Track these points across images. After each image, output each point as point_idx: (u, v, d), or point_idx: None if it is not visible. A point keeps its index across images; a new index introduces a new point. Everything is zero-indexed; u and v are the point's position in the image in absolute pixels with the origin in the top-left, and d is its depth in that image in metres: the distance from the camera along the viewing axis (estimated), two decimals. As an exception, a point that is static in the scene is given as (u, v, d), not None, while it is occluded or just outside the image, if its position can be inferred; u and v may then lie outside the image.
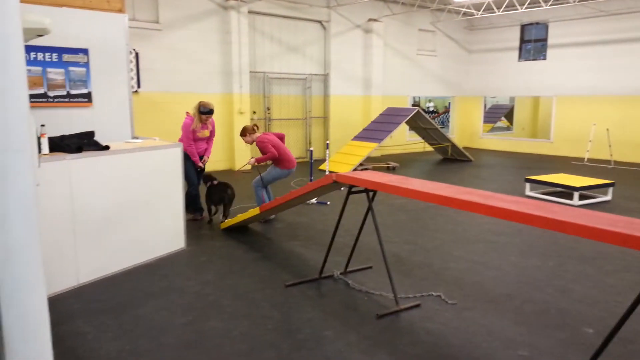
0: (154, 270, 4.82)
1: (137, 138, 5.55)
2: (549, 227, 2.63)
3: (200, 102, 6.12)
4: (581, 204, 7.75)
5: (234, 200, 6.45)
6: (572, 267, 4.97)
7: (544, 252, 5.42)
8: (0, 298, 1.39)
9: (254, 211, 5.60)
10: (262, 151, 6.28)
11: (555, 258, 5.23)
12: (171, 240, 5.30)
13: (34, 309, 1.42)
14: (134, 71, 9.64)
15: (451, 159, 13.32)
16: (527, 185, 8.63)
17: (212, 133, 6.34)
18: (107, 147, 4.59)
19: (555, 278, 4.66)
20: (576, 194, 7.82)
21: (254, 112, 11.73)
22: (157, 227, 5.10)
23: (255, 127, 6.40)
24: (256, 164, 6.32)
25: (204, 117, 6.04)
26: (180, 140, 6.05)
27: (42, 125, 4.23)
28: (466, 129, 16.71)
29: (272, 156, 6.26)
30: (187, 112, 6.29)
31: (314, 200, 7.65)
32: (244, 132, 6.36)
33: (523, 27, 14.98)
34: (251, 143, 6.39)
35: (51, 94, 4.97)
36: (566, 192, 8.38)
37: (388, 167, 11.58)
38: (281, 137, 6.59)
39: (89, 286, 4.42)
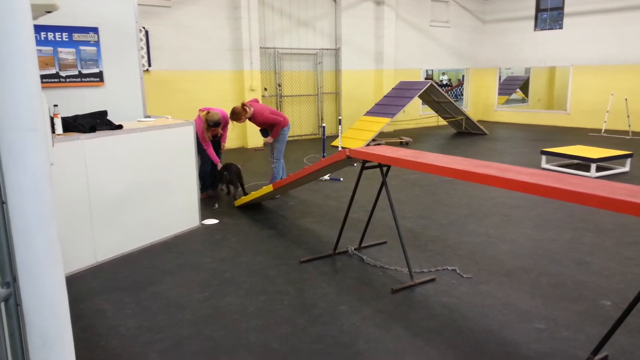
0: (170, 247, 4.86)
1: (149, 117, 5.56)
2: (567, 199, 2.60)
3: (207, 113, 6.00)
4: (598, 175, 7.65)
5: (238, 177, 6.40)
6: (589, 239, 4.93)
7: (560, 225, 5.37)
8: (19, 276, 1.41)
9: (267, 188, 5.61)
10: (271, 122, 6.30)
11: (571, 230, 5.19)
12: (186, 218, 5.33)
13: (52, 287, 1.44)
14: (145, 49, 9.61)
15: (465, 133, 13.19)
16: (543, 157, 8.53)
17: (225, 130, 6.50)
18: (120, 127, 4.60)
19: (572, 250, 4.63)
20: (593, 166, 7.72)
21: (265, 89, 11.67)
22: (172, 205, 5.13)
23: (245, 107, 6.15)
24: (270, 140, 6.46)
25: (212, 129, 6.08)
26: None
27: (55, 106, 4.26)
28: (480, 101, 16.49)
29: (278, 123, 6.34)
30: (200, 110, 6.23)
31: (327, 177, 7.65)
32: (238, 116, 6.11)
33: (539, -4, 14.62)
34: (247, 120, 6.25)
35: (63, 73, 4.97)
36: (583, 164, 8.27)
37: (401, 142, 11.50)
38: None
39: (107, 264, 4.47)
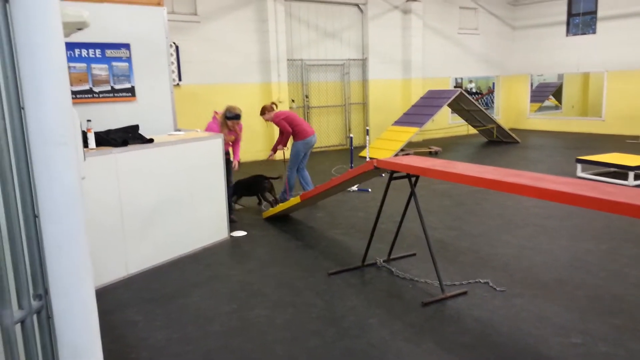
0: (199, 260, 4.91)
1: (179, 130, 5.64)
2: (604, 208, 2.51)
3: (227, 106, 5.94)
4: (637, 184, 7.43)
5: (265, 189, 6.50)
6: (627, 250, 4.77)
7: (597, 236, 5.23)
8: (50, 288, 1.43)
9: (295, 200, 5.63)
10: (281, 128, 6.65)
11: (608, 241, 5.04)
12: (215, 230, 5.37)
13: (83, 299, 1.46)
14: (175, 64, 9.81)
15: (497, 141, 13.01)
16: (579, 166, 8.31)
17: (238, 137, 6.15)
18: (151, 140, 4.68)
19: (609, 262, 4.49)
20: (631, 174, 7.48)
21: (293, 101, 11.74)
22: (201, 217, 5.17)
23: (273, 105, 6.68)
24: (280, 147, 6.66)
25: (229, 122, 5.84)
26: None
27: (89, 121, 4.34)
28: (512, 109, 16.21)
29: (286, 132, 6.58)
30: (215, 112, 6.19)
31: (355, 188, 7.62)
32: (263, 111, 6.66)
33: (570, 0, 14.33)
34: (270, 120, 6.67)
35: (96, 89, 5.10)
36: (620, 172, 8.02)
37: (430, 151, 11.44)
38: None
39: (138, 276, 4.54)
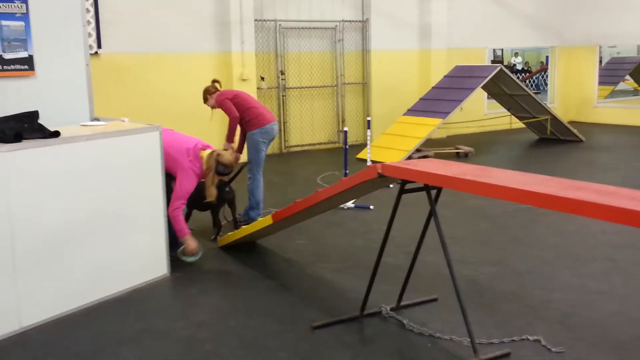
0: (127, 306, 4.87)
1: (97, 120, 5.58)
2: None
3: (218, 154, 5.83)
4: None
5: (224, 201, 6.49)
6: None
7: (694, 274, 5.28)
8: None
9: (265, 221, 5.61)
10: (224, 111, 6.90)
11: None
12: (149, 264, 5.35)
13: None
14: (92, 25, 9.69)
15: (551, 139, 13.13)
16: (666, 175, 8.41)
17: None
18: (56, 134, 4.63)
19: None
20: None
21: (262, 78, 11.73)
22: (130, 246, 5.15)
23: (216, 84, 7.03)
24: (228, 147, 6.69)
25: (219, 176, 5.99)
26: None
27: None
28: (573, 94, 16.37)
29: (232, 118, 6.79)
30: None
31: (350, 204, 7.62)
32: (205, 96, 7.02)
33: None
34: (216, 106, 7.00)
35: (-24, 59, 5.06)
36: None
37: (458, 152, 11.52)
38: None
39: (36, 331, 4.45)
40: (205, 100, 7.05)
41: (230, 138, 6.92)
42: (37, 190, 4.47)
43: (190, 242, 5.68)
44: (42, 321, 4.56)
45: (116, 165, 4.99)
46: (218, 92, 6.99)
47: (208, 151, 5.84)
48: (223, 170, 5.89)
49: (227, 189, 6.50)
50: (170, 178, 5.73)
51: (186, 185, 5.70)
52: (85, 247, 4.82)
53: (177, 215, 5.64)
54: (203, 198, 6.06)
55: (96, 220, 4.88)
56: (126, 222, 5.10)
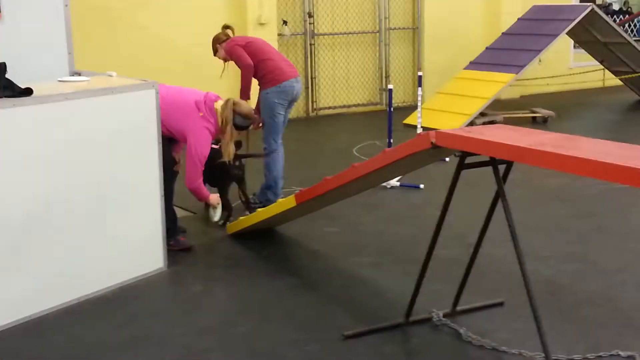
0: (114, 307, 4.83)
1: (79, 74, 5.50)
2: None
3: (235, 103, 5.87)
4: None
5: (233, 178, 6.57)
6: None
7: None
8: None
9: (285, 202, 5.55)
10: (235, 61, 6.83)
11: None
12: (142, 256, 5.30)
13: None
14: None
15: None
16: None
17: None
18: (28, 92, 4.53)
19: None
20: None
21: (285, 23, 11.57)
22: (117, 233, 5.10)
23: (228, 31, 6.89)
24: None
25: (238, 131, 6.03)
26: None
27: None
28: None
29: (245, 69, 6.63)
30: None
31: (395, 182, 7.54)
32: (215, 46, 6.88)
33: None
34: (228, 58, 6.88)
35: None
36: None
37: (535, 117, 11.34)
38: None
39: (5, 335, 4.42)
40: (216, 52, 6.89)
41: (245, 93, 6.76)
42: (1, 164, 4.41)
43: (214, 198, 6.18)
44: (11, 323, 4.52)
45: (101, 132, 4.91)
46: (229, 40, 6.85)
47: (221, 102, 5.89)
48: (242, 123, 5.91)
49: (237, 163, 6.52)
50: (166, 147, 5.69)
51: (202, 147, 5.71)
52: (61, 234, 4.76)
53: (199, 186, 5.84)
54: (213, 167, 6.13)
55: (76, 201, 4.81)
56: (113, 204, 5.05)
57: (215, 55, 6.94)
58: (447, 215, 4.17)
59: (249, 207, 6.62)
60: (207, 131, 5.74)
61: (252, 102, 6.88)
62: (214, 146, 6.26)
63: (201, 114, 5.73)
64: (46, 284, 4.68)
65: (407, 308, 4.40)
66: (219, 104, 5.86)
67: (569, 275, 5.20)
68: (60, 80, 5.16)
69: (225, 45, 6.80)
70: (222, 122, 5.78)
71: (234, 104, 5.83)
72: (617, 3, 15.28)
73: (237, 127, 5.92)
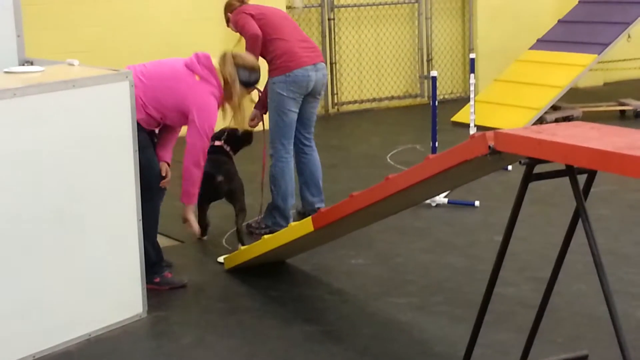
0: None
1: (31, 63, 5.62)
2: None
3: (233, 55, 6.01)
4: None
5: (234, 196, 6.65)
6: None
7: None
8: None
9: (301, 227, 5.50)
10: (242, 34, 6.94)
11: None
12: (114, 299, 5.29)
13: None
14: None
15: None
16: None
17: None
18: None
19: None
20: None
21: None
22: (81, 270, 5.06)
23: None
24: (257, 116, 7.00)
25: (247, 90, 6.16)
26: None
27: None
28: None
29: (251, 35, 6.70)
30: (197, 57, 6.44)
31: (441, 198, 7.61)
32: (226, 15, 7.01)
33: None
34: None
35: None
36: None
37: (623, 111, 11.49)
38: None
39: None
40: (228, 20, 7.04)
41: (263, 104, 6.99)
42: None
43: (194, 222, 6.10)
44: None
45: (60, 138, 4.87)
46: (239, 9, 6.94)
47: (216, 60, 5.92)
48: (248, 78, 5.93)
49: (224, 175, 6.53)
50: (149, 155, 5.75)
51: (208, 117, 5.72)
52: (7, 271, 4.69)
53: (200, 170, 5.87)
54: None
55: (25, 229, 4.75)
56: (75, 231, 5.01)
57: (228, 26, 7.08)
58: (510, 242, 4.11)
59: (241, 238, 6.53)
60: (211, 96, 5.75)
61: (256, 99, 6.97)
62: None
63: (197, 78, 5.73)
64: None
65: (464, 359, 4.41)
66: (215, 62, 5.86)
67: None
68: (6, 72, 5.21)
69: (233, 15, 6.95)
70: (224, 81, 5.80)
71: (234, 56, 5.87)
72: None
73: (246, 84, 5.95)
